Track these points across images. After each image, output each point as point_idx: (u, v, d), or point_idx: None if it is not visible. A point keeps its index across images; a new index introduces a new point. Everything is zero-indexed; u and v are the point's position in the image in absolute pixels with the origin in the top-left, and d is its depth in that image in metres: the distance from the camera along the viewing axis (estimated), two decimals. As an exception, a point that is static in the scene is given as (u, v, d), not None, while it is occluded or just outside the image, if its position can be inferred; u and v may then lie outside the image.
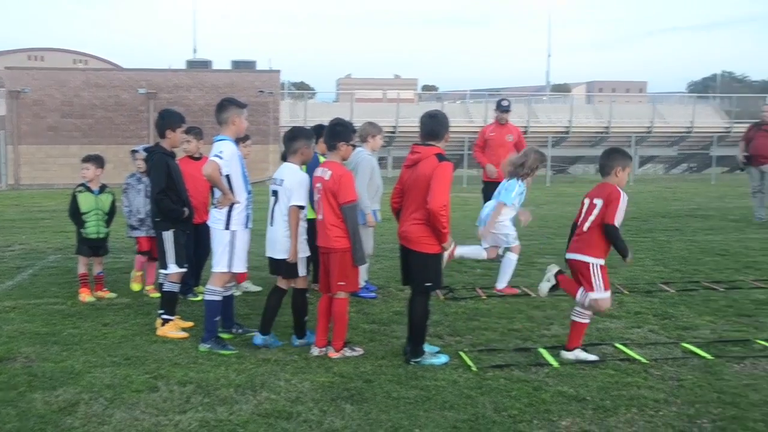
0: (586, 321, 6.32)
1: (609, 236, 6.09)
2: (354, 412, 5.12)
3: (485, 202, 11.20)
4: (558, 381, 5.70)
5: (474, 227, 14.66)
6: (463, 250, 8.72)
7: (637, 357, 6.27)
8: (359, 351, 6.41)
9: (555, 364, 6.10)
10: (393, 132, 34.62)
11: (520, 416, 5.02)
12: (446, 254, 8.56)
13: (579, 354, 6.25)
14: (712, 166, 32.16)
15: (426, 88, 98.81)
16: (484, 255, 8.83)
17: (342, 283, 6.30)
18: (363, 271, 8.01)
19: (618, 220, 6.05)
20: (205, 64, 34.90)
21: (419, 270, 6.17)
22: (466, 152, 30.58)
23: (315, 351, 6.40)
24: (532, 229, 12.23)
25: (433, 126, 6.17)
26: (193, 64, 35.18)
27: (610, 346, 6.60)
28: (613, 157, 6.29)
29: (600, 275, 6.13)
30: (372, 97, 57.55)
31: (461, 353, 6.38)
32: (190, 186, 7.52)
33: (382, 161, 30.51)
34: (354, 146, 7.04)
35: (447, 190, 5.96)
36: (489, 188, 11.14)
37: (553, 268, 6.54)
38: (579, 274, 6.25)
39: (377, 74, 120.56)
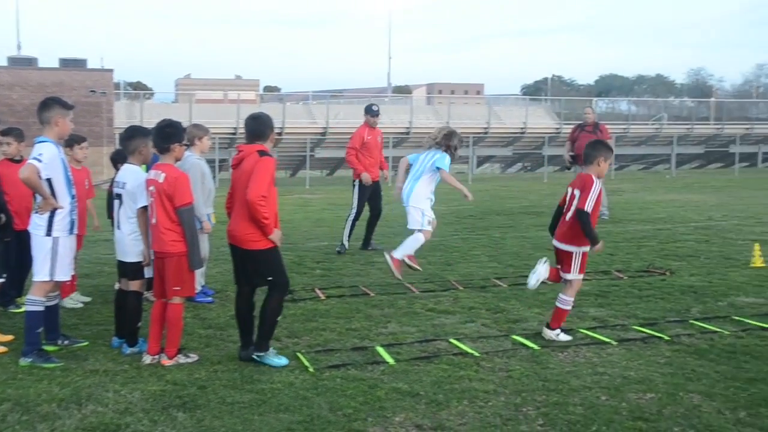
0: (568, 308, 6.93)
1: (579, 220, 6.63)
2: (186, 419, 4.98)
3: (362, 201, 11.77)
4: (393, 378, 5.79)
5: (318, 228, 14.78)
6: (403, 249, 8.66)
7: (470, 351, 6.47)
8: (194, 357, 6.24)
9: (391, 361, 6.18)
10: (234, 134, 33.98)
11: (355, 415, 5.06)
12: (393, 266, 8.49)
13: (560, 335, 6.85)
14: (545, 165, 33.59)
15: (268, 89, 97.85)
16: (421, 239, 8.77)
17: (177, 288, 6.14)
18: (199, 275, 7.84)
19: (589, 206, 6.59)
20: (29, 62, 32.69)
21: (256, 268, 6.12)
22: (308, 153, 30.64)
23: (147, 359, 6.18)
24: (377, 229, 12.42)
25: (257, 127, 6.25)
26: (15, 61, 32.90)
27: (445, 342, 6.78)
28: (597, 148, 6.95)
29: (579, 261, 6.82)
30: (212, 98, 56.50)
31: (298, 354, 6.35)
32: (10, 190, 7.12)
33: (223, 163, 29.82)
34: (187, 146, 6.90)
35: (266, 183, 5.94)
36: (365, 187, 11.92)
37: (543, 265, 7.03)
38: (562, 260, 6.91)
39: (218, 75, 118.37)
